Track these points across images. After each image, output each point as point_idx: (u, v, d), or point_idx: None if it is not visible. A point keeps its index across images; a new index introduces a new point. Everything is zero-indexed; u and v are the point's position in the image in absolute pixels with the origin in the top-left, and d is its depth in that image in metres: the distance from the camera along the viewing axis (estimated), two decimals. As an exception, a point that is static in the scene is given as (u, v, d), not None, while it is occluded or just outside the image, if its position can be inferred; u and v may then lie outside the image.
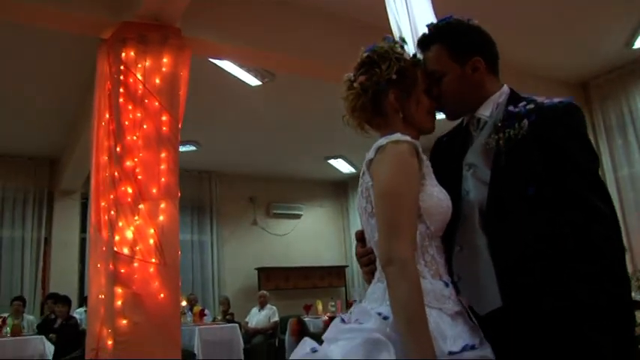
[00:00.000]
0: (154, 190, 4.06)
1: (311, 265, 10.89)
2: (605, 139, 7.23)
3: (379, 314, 1.38)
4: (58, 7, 4.31)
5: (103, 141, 4.21)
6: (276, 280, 10.52)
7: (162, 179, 4.10)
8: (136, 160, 4.06)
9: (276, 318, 8.83)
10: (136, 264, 3.86)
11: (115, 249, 3.85)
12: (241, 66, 6.01)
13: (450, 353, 1.32)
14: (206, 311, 8.46)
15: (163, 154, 4.16)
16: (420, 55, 1.66)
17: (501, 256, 1.45)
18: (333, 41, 5.11)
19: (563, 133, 1.45)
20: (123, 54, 4.22)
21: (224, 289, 10.05)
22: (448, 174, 1.59)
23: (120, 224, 3.90)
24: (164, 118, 4.21)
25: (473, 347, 1.36)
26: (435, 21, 1.73)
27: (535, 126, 1.46)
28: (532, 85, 6.31)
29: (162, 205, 4.05)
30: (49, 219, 8.94)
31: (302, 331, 7.50)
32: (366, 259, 1.61)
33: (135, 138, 4.10)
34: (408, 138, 1.49)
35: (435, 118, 1.64)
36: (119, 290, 3.80)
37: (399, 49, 1.62)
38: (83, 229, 8.70)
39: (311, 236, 11.32)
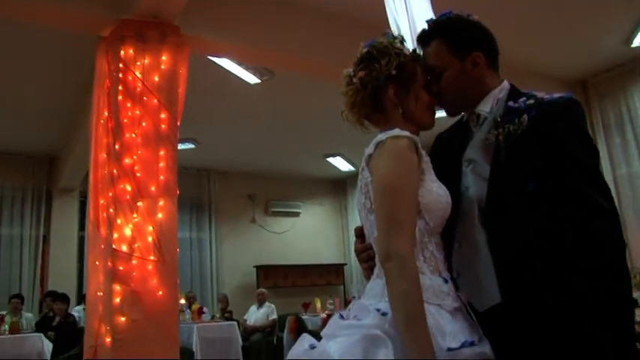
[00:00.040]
0: (153, 188, 4.06)
1: (309, 263, 10.89)
2: (603, 137, 7.22)
3: (378, 310, 1.38)
4: (57, 5, 4.30)
5: (101, 138, 4.21)
6: (275, 278, 10.53)
7: (161, 177, 4.10)
8: (134, 157, 4.05)
9: (275, 316, 8.83)
10: (134, 261, 3.86)
11: (114, 246, 3.85)
12: (240, 64, 6.01)
13: (449, 349, 1.32)
14: (204, 309, 8.46)
15: (162, 152, 4.15)
16: (419, 51, 1.65)
17: (501, 251, 1.45)
18: (332, 40, 5.11)
19: (563, 128, 1.44)
20: (122, 52, 4.22)
21: (222, 286, 10.05)
22: (448, 170, 1.59)
23: (118, 222, 3.90)
24: (163, 115, 4.21)
25: (472, 344, 1.36)
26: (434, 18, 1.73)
27: (535, 121, 1.46)
28: (530, 83, 6.24)
29: (161, 203, 4.05)
30: (47, 217, 8.93)
31: (300, 329, 7.50)
32: (365, 256, 1.61)
33: (134, 135, 4.09)
34: (407, 133, 1.48)
35: (434, 113, 1.64)
36: (117, 288, 3.80)
37: (399, 45, 1.62)
38: (82, 226, 8.69)
39: (310, 234, 11.32)
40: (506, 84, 1.64)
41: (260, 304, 9.02)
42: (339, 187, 11.85)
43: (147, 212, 3.97)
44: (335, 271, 11.31)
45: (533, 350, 1.37)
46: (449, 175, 1.57)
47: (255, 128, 8.24)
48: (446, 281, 1.47)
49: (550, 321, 1.35)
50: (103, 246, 3.97)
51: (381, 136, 1.50)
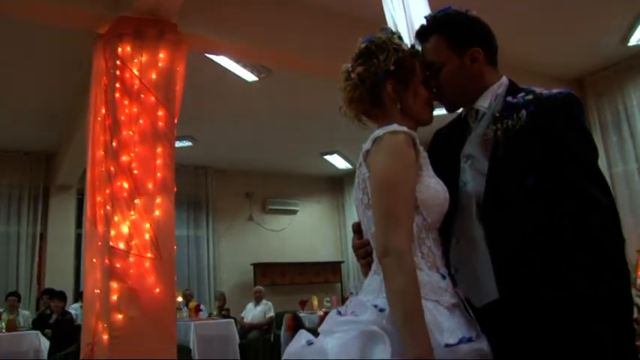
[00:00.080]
0: (150, 185, 4.06)
1: (307, 261, 10.89)
2: (600, 135, 7.23)
3: (375, 306, 1.37)
4: (55, 2, 4.30)
5: (99, 136, 4.21)
6: (272, 276, 10.53)
7: (158, 174, 4.10)
8: (132, 155, 4.05)
9: (272, 313, 8.84)
10: (131, 259, 3.86)
11: (111, 244, 3.85)
12: (238, 61, 6.00)
13: (447, 346, 1.32)
14: (202, 306, 8.46)
15: (159, 149, 4.16)
16: (418, 47, 1.65)
17: (499, 247, 1.44)
18: (329, 38, 5.11)
19: (562, 123, 1.44)
20: (119, 49, 4.21)
21: (220, 284, 10.05)
22: (446, 166, 1.59)
23: (116, 219, 3.90)
24: (160, 113, 4.21)
25: (470, 340, 1.36)
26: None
27: (533, 116, 1.46)
28: (527, 81, 6.15)
29: (158, 200, 4.05)
30: (44, 214, 8.92)
31: (297, 327, 7.50)
32: (363, 252, 1.59)
33: (131, 133, 4.09)
34: (404, 129, 1.48)
35: (432, 109, 1.64)
36: (115, 285, 3.80)
37: (397, 40, 1.61)
38: (79, 224, 8.70)
39: (307, 232, 11.32)
40: (504, 79, 1.63)
41: (257, 302, 9.02)
42: (337, 184, 11.86)
43: (144, 210, 3.97)
44: (332, 268, 11.31)
45: (532, 346, 1.36)
46: (447, 171, 1.57)
47: (252, 126, 8.23)
48: (444, 277, 1.46)
49: (548, 316, 1.35)
50: (100, 243, 3.97)
51: (379, 132, 1.49)
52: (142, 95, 4.17)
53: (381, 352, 1.27)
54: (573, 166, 1.40)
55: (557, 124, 1.44)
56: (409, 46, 1.64)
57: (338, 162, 10.35)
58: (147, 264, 3.90)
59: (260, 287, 9.35)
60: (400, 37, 1.63)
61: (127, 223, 3.91)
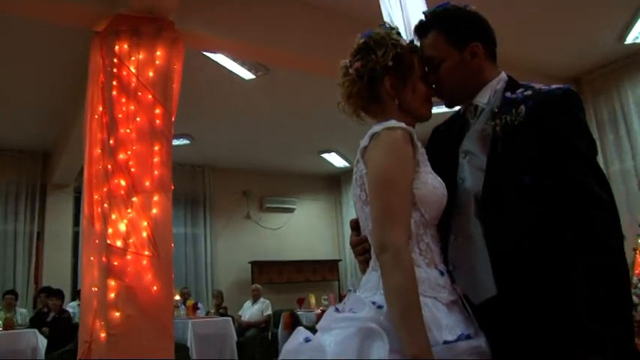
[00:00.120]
0: (147, 183, 4.05)
1: (304, 259, 10.90)
2: (596, 134, 7.23)
3: (373, 303, 1.37)
4: (52, 0, 4.29)
5: (96, 134, 4.20)
6: (270, 274, 10.53)
7: (156, 172, 4.09)
8: (129, 152, 4.05)
9: (269, 311, 8.85)
10: (129, 256, 3.86)
11: (108, 241, 3.84)
12: (235, 59, 6.00)
13: (445, 342, 1.31)
14: (199, 305, 8.46)
15: (157, 147, 4.15)
16: (417, 42, 1.64)
17: (497, 244, 1.44)
18: (327, 36, 5.11)
19: (561, 118, 1.43)
20: (116, 47, 4.21)
21: (217, 282, 10.05)
22: (444, 162, 1.58)
23: (113, 217, 3.89)
24: (157, 111, 4.20)
25: (468, 337, 1.36)
26: None
27: (532, 112, 1.45)
28: (524, 79, 6.30)
29: (156, 198, 4.04)
30: (41, 212, 8.91)
31: (295, 325, 7.51)
32: (361, 248, 1.58)
33: (128, 131, 4.09)
34: (402, 125, 1.47)
35: (431, 105, 1.63)
36: (112, 283, 3.80)
37: (396, 36, 1.60)
38: (76, 222, 8.68)
39: (304, 230, 11.32)
40: (503, 75, 1.63)
41: (255, 300, 9.03)
42: (334, 183, 11.86)
43: (141, 207, 3.97)
44: (329, 267, 11.32)
45: (530, 343, 1.36)
46: (445, 167, 1.56)
47: (250, 124, 8.23)
48: (442, 274, 1.46)
49: (547, 315, 1.34)
50: (97, 241, 3.97)
51: (376, 128, 1.49)
52: (139, 93, 4.16)
53: (378, 349, 1.26)
54: (573, 161, 1.39)
55: (556, 119, 1.43)
56: (408, 42, 1.63)
57: (335, 160, 10.35)
58: (144, 262, 3.89)
59: (257, 285, 9.35)
60: (399, 33, 1.62)
61: (125, 220, 3.91)
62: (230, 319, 7.97)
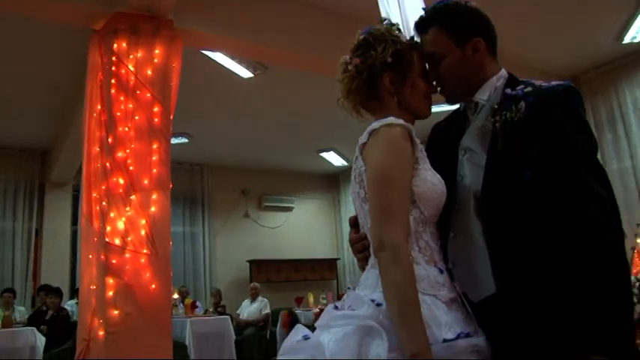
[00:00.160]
0: (146, 181, 4.06)
1: (302, 258, 10.90)
2: (594, 133, 7.23)
3: (372, 301, 1.36)
4: (50, -3, 4.30)
5: (94, 132, 4.20)
6: (268, 273, 10.53)
7: (154, 170, 4.10)
8: (127, 151, 4.05)
9: (268, 310, 8.85)
10: (127, 255, 3.86)
11: (107, 240, 3.85)
12: (233, 58, 6.00)
13: (445, 341, 1.31)
14: (197, 303, 8.47)
15: (155, 146, 4.15)
16: (417, 39, 1.63)
17: (496, 242, 1.43)
18: (326, 35, 5.10)
19: (561, 115, 1.42)
20: (115, 45, 4.21)
21: (216, 281, 10.05)
22: (444, 159, 1.57)
23: (111, 215, 3.90)
24: (156, 109, 4.21)
25: (468, 335, 1.35)
26: None
27: (532, 108, 1.44)
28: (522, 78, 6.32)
29: (154, 196, 4.05)
30: (40, 211, 8.90)
31: (293, 324, 7.50)
32: (360, 246, 1.56)
33: (126, 129, 4.09)
34: (401, 121, 1.46)
35: (430, 102, 1.62)
36: (110, 281, 3.80)
37: (396, 32, 1.59)
38: (74, 221, 8.67)
39: (303, 229, 11.32)
40: (504, 72, 1.62)
41: (253, 299, 9.03)
42: (332, 181, 11.86)
43: (140, 205, 3.97)
44: (328, 265, 11.32)
45: (529, 342, 1.35)
46: (445, 165, 1.55)
47: (248, 123, 8.23)
48: (441, 272, 1.45)
49: (546, 314, 1.34)
50: (96, 239, 3.97)
51: (375, 125, 1.48)
52: (138, 91, 4.17)
53: (377, 347, 1.26)
54: (572, 157, 1.39)
55: (556, 115, 1.42)
56: (408, 38, 1.62)
57: (334, 159, 10.36)
58: (142, 260, 3.90)
59: (256, 284, 9.35)
60: (399, 30, 1.61)
61: (123, 219, 3.91)
62: (228, 317, 7.98)
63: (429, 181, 1.47)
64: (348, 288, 1.56)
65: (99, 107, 4.17)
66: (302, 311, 8.70)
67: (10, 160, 8.82)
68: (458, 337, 1.33)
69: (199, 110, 7.34)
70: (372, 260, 1.48)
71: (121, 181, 3.98)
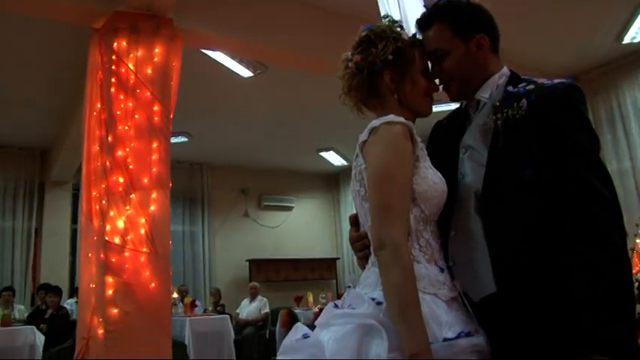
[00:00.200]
0: (146, 180, 4.06)
1: (302, 257, 10.90)
2: (595, 133, 7.24)
3: (373, 299, 1.35)
4: (50, -4, 4.30)
5: (94, 130, 4.21)
6: (267, 272, 10.53)
7: (154, 169, 4.10)
8: (127, 149, 4.05)
9: (267, 309, 8.84)
10: (127, 253, 3.86)
11: (106, 238, 3.85)
12: (233, 57, 5.99)
13: (445, 340, 1.30)
14: (197, 302, 8.46)
15: (155, 144, 4.15)
16: (419, 36, 1.62)
17: (497, 240, 1.42)
18: (326, 35, 5.10)
19: (563, 113, 1.42)
20: (115, 44, 4.21)
21: (215, 280, 10.05)
22: (445, 157, 1.57)
23: (111, 213, 3.90)
24: (156, 108, 4.21)
25: (468, 334, 1.34)
26: None
27: (534, 106, 1.43)
28: (522, 79, 6.32)
29: (154, 195, 4.05)
30: (39, 209, 8.90)
31: (292, 323, 7.44)
32: (360, 244, 1.55)
33: (126, 128, 4.09)
34: (401, 119, 1.46)
35: (431, 100, 1.61)
36: (110, 279, 3.80)
37: (398, 29, 1.59)
38: (74, 219, 8.68)
39: (302, 228, 11.32)
40: (506, 70, 1.61)
41: (252, 298, 9.03)
42: (332, 181, 11.86)
43: (139, 204, 3.97)
44: (327, 265, 11.32)
45: (529, 342, 1.35)
46: (446, 163, 1.54)
47: (248, 122, 8.22)
48: (442, 270, 1.44)
49: (546, 314, 1.33)
50: (95, 238, 3.97)
51: (375, 122, 1.47)
52: (138, 90, 4.17)
53: (377, 347, 1.26)
54: (574, 156, 1.38)
55: (559, 113, 1.41)
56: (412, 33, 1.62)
57: (334, 159, 10.35)
58: (142, 258, 3.90)
59: (255, 283, 9.35)
60: (401, 27, 1.60)
61: (123, 217, 3.91)
62: (228, 316, 7.99)
63: (430, 179, 1.46)
64: (348, 286, 1.56)
65: (99, 106, 4.17)
66: (301, 311, 8.68)
67: (9, 159, 8.82)
68: (458, 336, 1.32)
69: (199, 109, 7.34)
70: (372, 259, 1.48)
71: (121, 180, 3.98)
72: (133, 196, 3.97)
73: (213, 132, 8.69)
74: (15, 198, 8.78)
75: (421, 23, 1.62)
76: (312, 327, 1.43)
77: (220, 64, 6.07)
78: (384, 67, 1.55)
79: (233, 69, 6.23)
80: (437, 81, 1.62)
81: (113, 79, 4.15)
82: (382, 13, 3.48)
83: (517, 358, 1.37)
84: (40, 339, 6.34)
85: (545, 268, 1.36)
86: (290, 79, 6.75)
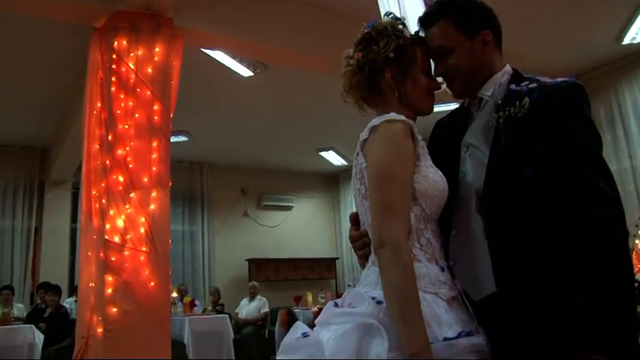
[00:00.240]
0: (145, 179, 4.06)
1: (301, 257, 10.89)
2: (595, 133, 7.24)
3: (373, 298, 1.35)
4: (50, -5, 4.31)
5: (94, 129, 4.21)
6: (267, 272, 10.53)
7: (154, 168, 4.10)
8: (127, 148, 4.05)
9: (266, 309, 8.85)
10: (126, 252, 3.86)
11: (106, 237, 3.85)
12: (234, 57, 5.99)
13: (445, 339, 1.30)
14: (196, 302, 8.46)
15: (155, 143, 4.16)
16: (421, 33, 1.61)
17: (497, 240, 1.42)
18: (328, 34, 5.10)
19: (566, 111, 1.41)
20: (115, 43, 4.21)
21: (214, 279, 10.05)
22: (446, 156, 1.56)
23: (111, 212, 3.90)
24: (156, 107, 4.21)
25: (468, 334, 1.34)
26: None
27: (537, 104, 1.42)
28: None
29: (154, 194, 4.05)
30: (39, 208, 8.90)
31: (292, 323, 7.47)
32: (360, 243, 1.54)
33: (126, 127, 4.09)
34: (402, 117, 1.45)
35: (433, 99, 1.60)
36: (109, 278, 3.80)
37: (400, 27, 1.58)
38: (74, 218, 8.68)
39: (302, 228, 11.32)
40: (508, 68, 1.60)
41: (252, 298, 9.03)
42: (332, 181, 11.85)
43: (139, 203, 3.98)
44: (327, 265, 11.31)
45: (529, 342, 1.35)
46: (447, 161, 1.54)
47: (248, 121, 8.22)
48: (442, 269, 1.44)
49: (547, 314, 1.33)
50: (95, 237, 3.97)
51: (376, 120, 1.47)
52: (138, 89, 4.17)
53: (377, 346, 1.25)
54: (577, 155, 1.37)
55: (561, 112, 1.41)
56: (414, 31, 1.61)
57: (333, 158, 10.35)
58: (142, 257, 3.90)
59: (254, 283, 9.35)
60: (404, 24, 1.59)
61: (122, 216, 3.91)
62: (227, 316, 7.98)
63: (431, 178, 1.46)
64: (349, 285, 1.55)
65: (99, 105, 4.17)
66: (301, 310, 8.69)
67: (9, 158, 8.81)
68: (459, 335, 1.32)
69: (199, 109, 7.34)
70: (372, 257, 1.47)
71: (121, 179, 3.98)
72: (132, 195, 3.97)
73: (213, 131, 8.69)
74: (15, 197, 8.77)
75: (425, 20, 1.61)
76: (311, 327, 1.42)
77: (220, 63, 6.07)
78: (385, 65, 1.54)
79: (233, 68, 6.23)
80: (440, 79, 1.61)
81: (113, 78, 4.15)
82: (382, 15, 3.48)
83: (517, 358, 1.37)
84: (39, 338, 6.33)
85: (547, 267, 1.35)
86: (290, 79, 6.74)
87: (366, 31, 1.59)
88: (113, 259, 3.82)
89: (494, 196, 1.44)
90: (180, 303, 8.14)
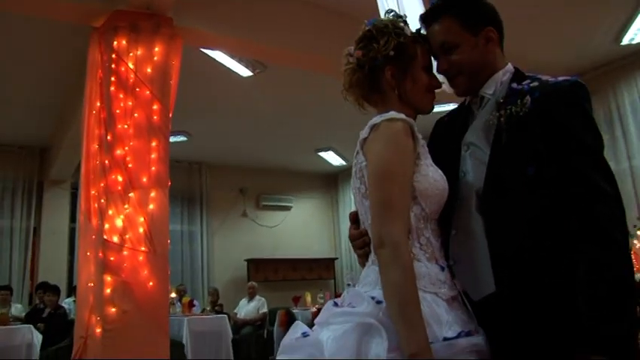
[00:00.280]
0: (145, 179, 4.05)
1: (300, 257, 10.89)
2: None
3: (372, 298, 1.34)
4: (50, -5, 4.30)
5: (93, 129, 4.20)
6: (266, 272, 10.53)
7: (153, 168, 4.09)
8: (126, 148, 4.04)
9: (265, 309, 8.84)
10: (125, 252, 3.86)
11: (105, 237, 3.84)
12: (233, 56, 5.99)
13: (445, 339, 1.29)
14: (195, 302, 8.45)
15: (154, 143, 4.15)
16: (423, 31, 1.60)
17: (497, 239, 1.41)
18: (328, 34, 5.09)
19: (567, 110, 1.41)
20: (114, 42, 4.20)
21: (213, 280, 10.04)
22: (447, 154, 1.55)
23: (110, 212, 3.89)
24: (155, 107, 4.20)
25: (468, 334, 1.34)
26: None
27: (538, 103, 1.42)
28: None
29: (153, 194, 4.04)
30: (38, 208, 8.89)
31: (290, 323, 7.47)
32: (360, 242, 1.54)
33: (126, 127, 4.09)
34: (402, 116, 1.45)
35: (433, 97, 1.59)
36: (108, 278, 3.80)
37: (401, 24, 1.57)
38: (73, 218, 8.67)
39: (300, 228, 11.32)
40: (510, 66, 1.60)
41: (250, 298, 9.03)
42: (331, 181, 11.86)
43: (138, 203, 3.97)
44: (326, 265, 11.31)
45: (529, 341, 1.35)
46: (447, 160, 1.53)
47: (247, 122, 8.22)
48: (442, 269, 1.43)
49: (547, 314, 1.33)
50: (94, 237, 3.97)
51: (376, 119, 1.46)
52: (137, 89, 4.16)
53: (377, 346, 1.25)
54: (578, 154, 1.37)
55: (563, 110, 1.40)
56: (416, 29, 1.60)
57: (332, 159, 10.35)
58: (140, 258, 3.89)
59: (253, 283, 9.34)
60: (405, 22, 1.59)
61: (121, 216, 3.91)
62: (226, 316, 7.98)
63: (431, 177, 1.45)
64: (348, 284, 1.56)
65: (98, 105, 4.17)
66: (299, 310, 8.70)
67: (8, 158, 8.80)
68: (458, 335, 1.31)
69: (198, 108, 7.33)
70: (372, 257, 1.47)
71: (120, 179, 3.97)
72: (131, 195, 3.96)
73: (212, 131, 8.69)
74: (13, 197, 8.76)
75: (427, 16, 1.60)
76: (310, 327, 1.41)
77: (220, 63, 6.07)
78: (385, 63, 1.53)
79: (232, 68, 6.23)
80: (441, 77, 1.60)
81: (113, 78, 4.14)
82: (381, 15, 3.48)
83: (517, 358, 1.37)
84: (37, 338, 6.33)
85: (547, 266, 1.35)
86: (289, 79, 6.74)
87: (366, 28, 1.58)
88: (112, 259, 3.82)
89: (494, 195, 1.44)
90: (178, 303, 8.13)
